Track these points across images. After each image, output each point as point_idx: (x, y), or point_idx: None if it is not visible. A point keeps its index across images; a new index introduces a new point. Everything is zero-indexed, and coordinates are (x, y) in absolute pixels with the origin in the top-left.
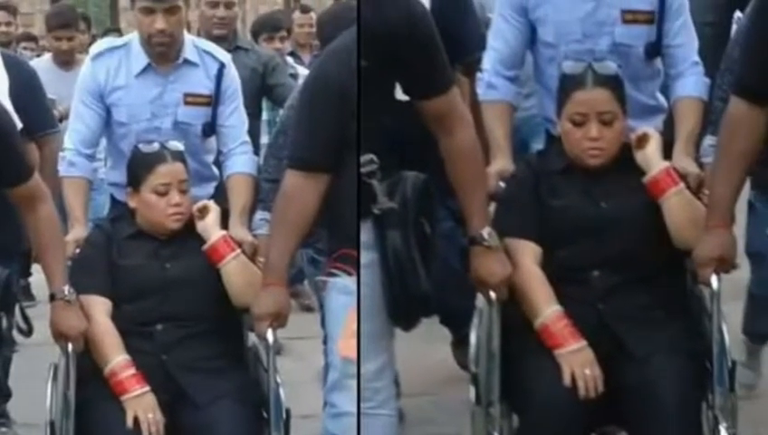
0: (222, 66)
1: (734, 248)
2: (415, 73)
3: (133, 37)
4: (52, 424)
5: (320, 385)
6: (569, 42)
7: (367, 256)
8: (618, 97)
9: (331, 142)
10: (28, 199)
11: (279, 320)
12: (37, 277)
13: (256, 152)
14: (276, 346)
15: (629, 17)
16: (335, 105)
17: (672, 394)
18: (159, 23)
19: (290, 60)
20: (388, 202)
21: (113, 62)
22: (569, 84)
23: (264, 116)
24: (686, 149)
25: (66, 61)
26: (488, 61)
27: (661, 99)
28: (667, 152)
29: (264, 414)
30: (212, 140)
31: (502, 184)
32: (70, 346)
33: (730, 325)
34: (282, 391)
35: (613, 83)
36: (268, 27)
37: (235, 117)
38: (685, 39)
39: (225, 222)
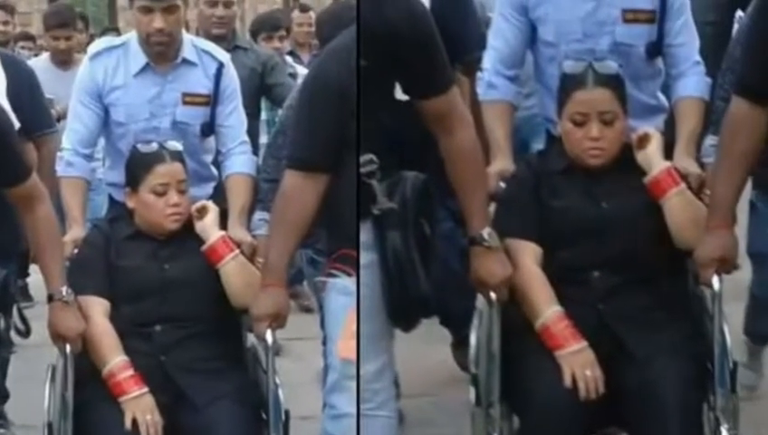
0: (221, 66)
1: (736, 249)
2: (415, 73)
3: (131, 36)
4: (50, 426)
5: (319, 386)
6: (569, 41)
7: (366, 257)
8: (619, 97)
9: (331, 142)
10: (26, 199)
11: (278, 321)
12: (35, 278)
13: (255, 152)
14: (275, 347)
15: (630, 16)
16: (334, 105)
17: (673, 395)
18: (158, 22)
19: (289, 59)
20: (387, 202)
21: (111, 61)
22: (569, 84)
23: (263, 116)
24: (688, 149)
25: (64, 60)
26: (488, 60)
27: (662, 98)
28: (669, 152)
29: (264, 415)
30: (211, 140)
31: (502, 184)
32: (68, 347)
33: (731, 326)
34: (281, 393)
35: (614, 83)
36: (267, 26)
37: (233, 117)
38: (686, 38)
39: (223, 222)
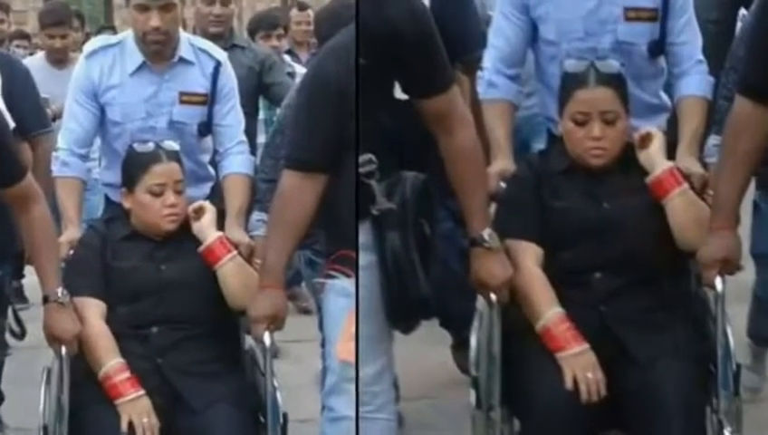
0: (218, 64)
1: (739, 250)
2: (414, 72)
3: (128, 35)
4: (45, 428)
5: (318, 389)
6: (571, 40)
7: (365, 258)
8: (620, 96)
9: (330, 142)
10: (21, 200)
11: (276, 323)
12: (30, 279)
13: (253, 152)
14: (273, 349)
15: (632, 15)
16: (333, 104)
17: (675, 398)
18: (154, 20)
19: (287, 58)
20: (386, 203)
21: (107, 60)
22: (571, 83)
23: (261, 115)
24: (690, 149)
25: (59, 59)
26: (489, 59)
27: (665, 98)
28: (671, 152)
29: (261, 418)
30: (208, 140)
31: (503, 184)
32: (63, 349)
33: (735, 328)
34: (279, 395)
35: (616, 82)
36: (265, 25)
37: (231, 116)
38: (689, 37)
39: (221, 223)
